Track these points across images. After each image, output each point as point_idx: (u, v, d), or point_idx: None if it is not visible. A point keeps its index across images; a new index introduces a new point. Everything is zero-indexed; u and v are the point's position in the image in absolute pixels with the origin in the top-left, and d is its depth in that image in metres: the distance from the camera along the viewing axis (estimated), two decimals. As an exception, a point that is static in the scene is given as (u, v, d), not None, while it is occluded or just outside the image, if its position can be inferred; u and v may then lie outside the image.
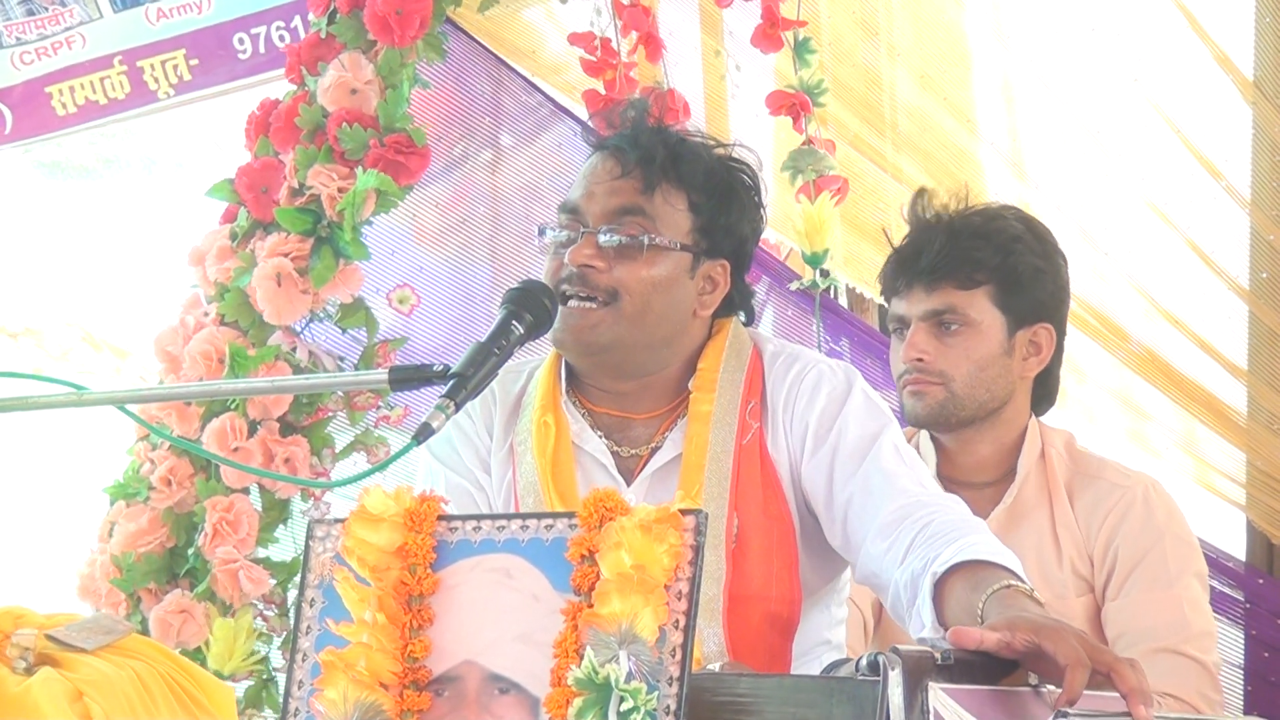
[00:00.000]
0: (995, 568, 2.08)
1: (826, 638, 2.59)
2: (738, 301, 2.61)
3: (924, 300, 2.92)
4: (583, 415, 2.56)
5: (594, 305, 2.46)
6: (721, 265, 2.55)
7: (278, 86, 3.88)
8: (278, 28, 4.28)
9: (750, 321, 2.65)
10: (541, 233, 2.55)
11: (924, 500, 2.35)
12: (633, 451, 2.55)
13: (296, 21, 4.23)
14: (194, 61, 4.34)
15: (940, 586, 2.12)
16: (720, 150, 2.60)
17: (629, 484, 2.52)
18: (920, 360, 2.91)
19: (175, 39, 4.34)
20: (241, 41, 4.31)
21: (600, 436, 2.55)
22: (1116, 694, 1.75)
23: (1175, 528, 2.95)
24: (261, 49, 4.30)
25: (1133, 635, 2.86)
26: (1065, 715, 1.69)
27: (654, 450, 2.53)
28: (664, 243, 2.49)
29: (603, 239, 2.47)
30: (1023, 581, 2.05)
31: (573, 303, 2.46)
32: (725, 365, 2.53)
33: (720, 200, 2.54)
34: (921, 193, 3.02)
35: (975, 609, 1.99)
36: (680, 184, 2.52)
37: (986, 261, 2.91)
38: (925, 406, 2.93)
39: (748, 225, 2.58)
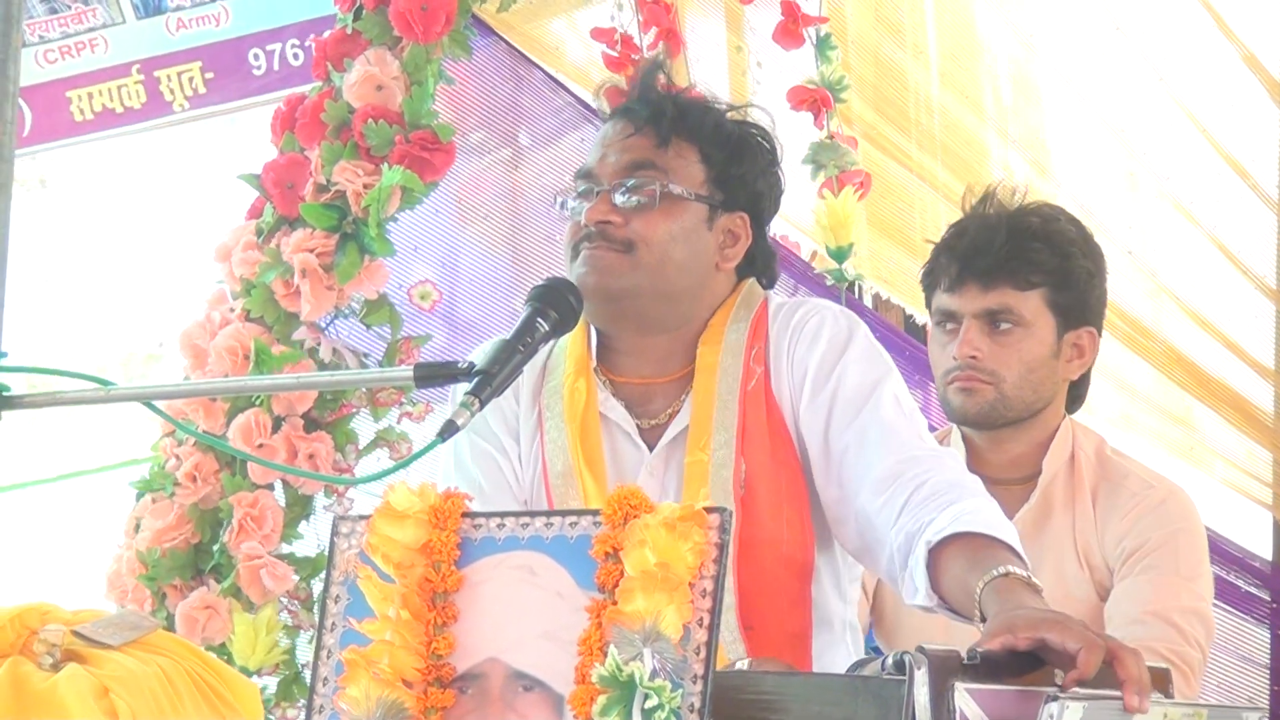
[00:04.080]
0: (992, 544, 2.08)
1: (844, 616, 2.56)
2: (759, 261, 2.60)
3: (979, 298, 2.92)
4: (606, 385, 2.56)
5: (614, 251, 2.46)
6: (740, 218, 2.55)
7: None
8: (293, 45, 4.27)
9: (771, 284, 2.63)
10: (562, 205, 2.55)
11: (919, 456, 2.33)
12: (653, 423, 2.54)
13: (311, 40, 4.23)
14: (209, 75, 4.34)
15: (935, 555, 2.12)
16: (733, 113, 2.60)
17: (651, 452, 2.53)
18: (974, 358, 2.92)
19: (192, 50, 4.33)
20: (257, 58, 4.31)
21: (623, 406, 2.55)
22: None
23: (1190, 527, 2.93)
24: (276, 66, 4.30)
25: (1124, 607, 2.82)
26: (1056, 698, 1.68)
27: (671, 416, 2.53)
28: (679, 192, 2.49)
29: (618, 195, 2.48)
30: (1019, 557, 2.06)
31: (592, 248, 2.47)
32: (733, 317, 2.53)
33: (732, 152, 2.54)
34: (978, 189, 3.02)
35: (972, 592, 1.99)
36: (691, 137, 2.52)
37: (1044, 264, 2.91)
38: (976, 405, 2.93)
39: (762, 180, 2.57)
